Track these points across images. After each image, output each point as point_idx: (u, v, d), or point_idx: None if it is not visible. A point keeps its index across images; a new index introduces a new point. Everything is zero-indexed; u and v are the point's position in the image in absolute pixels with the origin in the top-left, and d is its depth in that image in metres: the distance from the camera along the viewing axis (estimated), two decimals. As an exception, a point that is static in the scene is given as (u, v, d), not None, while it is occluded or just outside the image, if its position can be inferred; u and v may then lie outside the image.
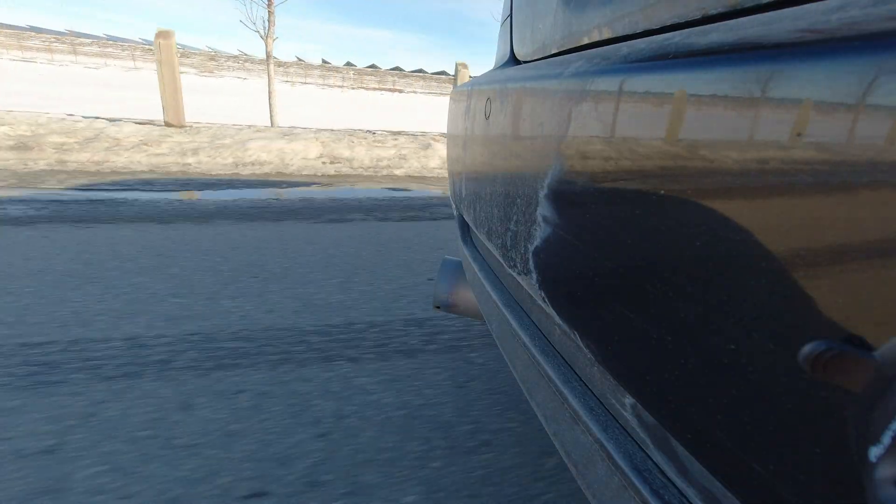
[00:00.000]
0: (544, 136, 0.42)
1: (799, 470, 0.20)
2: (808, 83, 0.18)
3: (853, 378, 0.17)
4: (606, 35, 0.42)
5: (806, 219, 0.19)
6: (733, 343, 0.23)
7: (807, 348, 0.19)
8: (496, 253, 0.60)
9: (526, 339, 0.52)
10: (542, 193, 0.42)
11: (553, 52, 0.55)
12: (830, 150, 0.18)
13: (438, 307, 1.02)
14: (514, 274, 0.53)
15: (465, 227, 0.94)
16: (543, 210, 0.42)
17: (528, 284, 0.48)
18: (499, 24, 0.86)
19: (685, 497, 0.30)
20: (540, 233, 0.44)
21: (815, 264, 0.19)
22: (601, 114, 0.33)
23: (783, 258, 0.20)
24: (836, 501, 0.19)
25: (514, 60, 0.72)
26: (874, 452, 0.16)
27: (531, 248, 0.46)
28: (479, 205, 0.67)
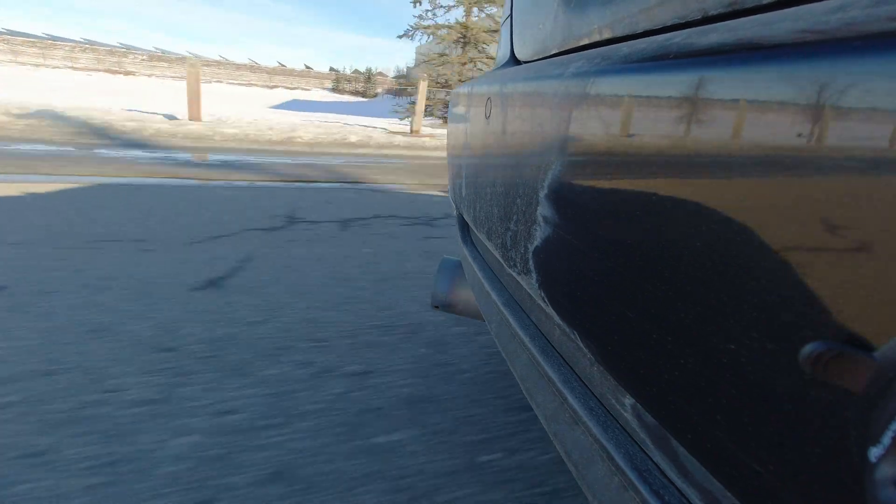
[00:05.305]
0: (544, 136, 0.42)
1: (799, 470, 0.20)
2: (808, 83, 0.18)
3: (853, 378, 0.17)
4: (607, 35, 0.42)
5: (806, 219, 0.19)
6: (733, 343, 0.23)
7: (807, 349, 0.19)
8: (496, 253, 0.60)
9: (526, 339, 0.52)
10: (542, 193, 0.42)
11: (553, 52, 0.55)
12: (830, 150, 0.18)
13: (437, 307, 1.02)
14: (514, 274, 0.53)
15: (464, 227, 0.94)
16: (543, 210, 0.42)
17: (528, 284, 0.48)
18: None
19: (685, 497, 0.30)
20: (540, 233, 0.44)
21: (816, 265, 0.19)
22: (601, 114, 0.33)
23: (783, 258, 0.20)
24: (836, 502, 0.19)
25: (514, 61, 0.72)
26: (874, 453, 0.16)
27: (531, 247, 0.46)
28: (479, 204, 0.67)
